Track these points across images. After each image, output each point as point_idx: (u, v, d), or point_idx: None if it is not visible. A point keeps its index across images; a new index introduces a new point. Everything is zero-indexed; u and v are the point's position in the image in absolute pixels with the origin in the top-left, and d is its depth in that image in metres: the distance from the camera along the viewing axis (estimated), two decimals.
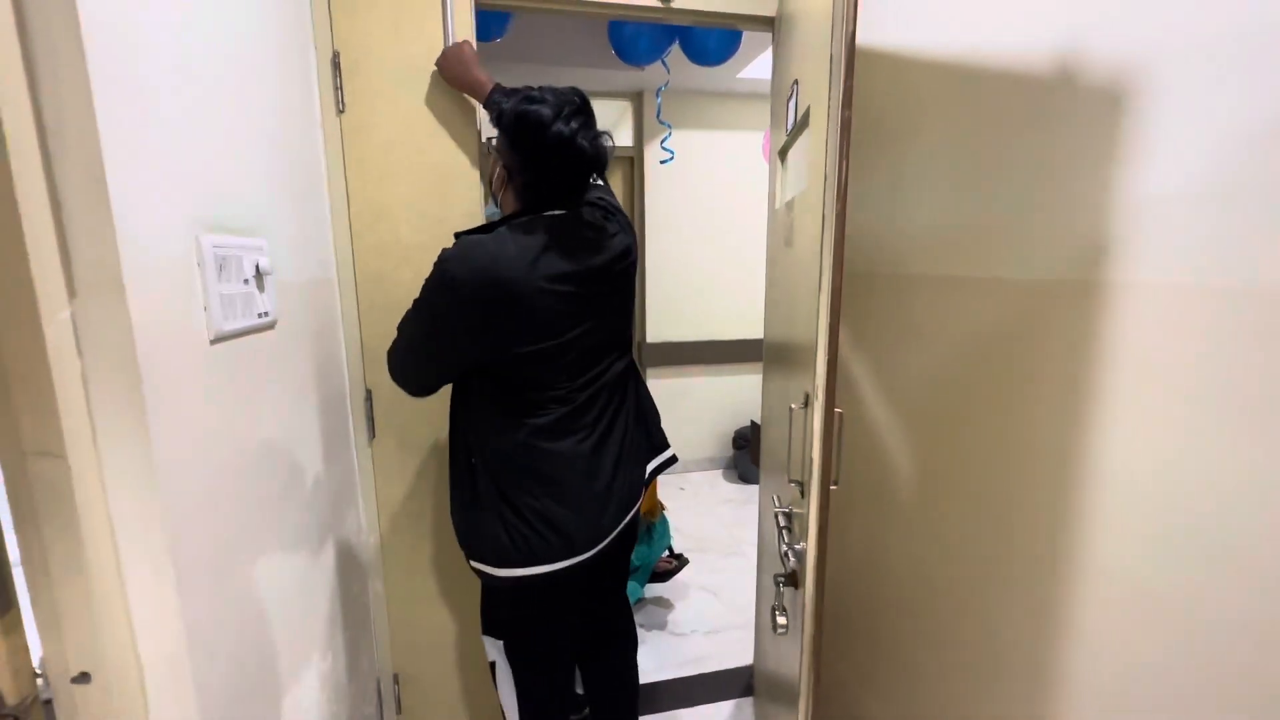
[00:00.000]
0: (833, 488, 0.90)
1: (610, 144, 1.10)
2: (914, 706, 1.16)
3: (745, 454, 3.57)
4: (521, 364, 1.05)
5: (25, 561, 0.63)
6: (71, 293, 0.62)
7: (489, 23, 1.52)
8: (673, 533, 2.38)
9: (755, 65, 2.84)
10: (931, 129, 1.06)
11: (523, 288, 1.00)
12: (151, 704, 0.70)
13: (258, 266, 0.93)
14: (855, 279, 1.34)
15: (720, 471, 3.77)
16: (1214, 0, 0.62)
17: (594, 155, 1.05)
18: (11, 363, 0.59)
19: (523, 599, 1.14)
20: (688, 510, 3.19)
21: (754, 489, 3.32)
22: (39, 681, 0.65)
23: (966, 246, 0.97)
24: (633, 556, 2.08)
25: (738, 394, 3.67)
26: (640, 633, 2.17)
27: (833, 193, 0.77)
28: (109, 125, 0.62)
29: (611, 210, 1.19)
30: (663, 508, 2.26)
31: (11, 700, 0.61)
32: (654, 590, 2.40)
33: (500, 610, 1.20)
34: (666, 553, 2.29)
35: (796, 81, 1.08)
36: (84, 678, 0.66)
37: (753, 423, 3.47)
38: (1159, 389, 0.68)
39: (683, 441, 3.71)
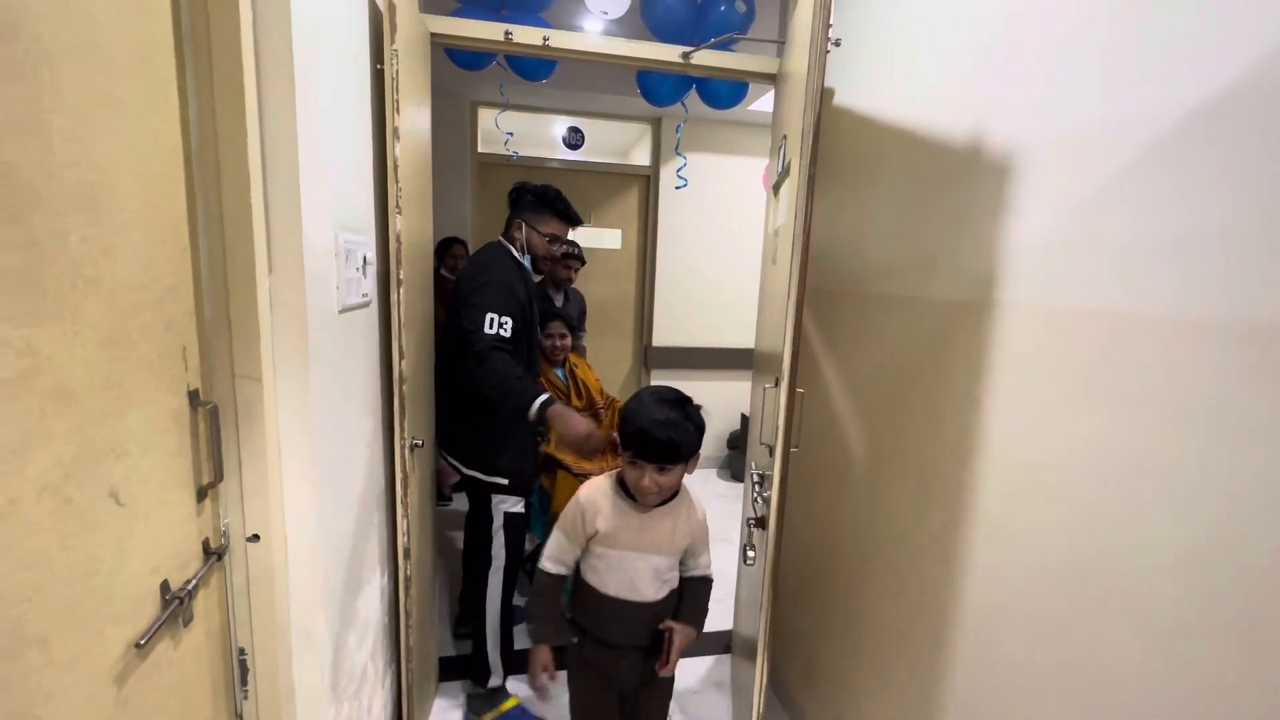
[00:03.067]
0: (794, 450, 1.18)
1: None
2: (853, 643, 1.42)
3: (739, 454, 3.83)
4: None
5: (225, 452, 0.91)
6: (270, 269, 0.91)
7: (540, 67, 1.83)
8: None
9: (764, 99, 3.14)
10: (888, 177, 1.35)
11: None
12: (290, 564, 0.98)
13: (364, 258, 1.23)
14: (831, 295, 1.62)
15: (714, 470, 4.04)
16: (1062, 106, 0.90)
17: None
18: (235, 314, 0.88)
19: None
20: None
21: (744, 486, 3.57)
22: (223, 537, 0.93)
23: (904, 271, 1.26)
24: None
25: (734, 398, 3.94)
26: None
27: (801, 225, 1.06)
28: (303, 188, 0.92)
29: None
30: None
31: (213, 546, 0.89)
32: None
33: None
34: None
35: (785, 137, 1.36)
36: (254, 538, 0.94)
37: (742, 415, 3.74)
38: (1023, 382, 0.96)
39: None
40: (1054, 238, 0.91)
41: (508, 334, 1.60)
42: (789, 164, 1.26)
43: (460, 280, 1.71)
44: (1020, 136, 0.97)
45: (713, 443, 4.04)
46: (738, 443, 3.88)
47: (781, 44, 1.69)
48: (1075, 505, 0.86)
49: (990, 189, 1.02)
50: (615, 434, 2.30)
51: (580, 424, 1.60)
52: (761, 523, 1.24)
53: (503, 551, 1.78)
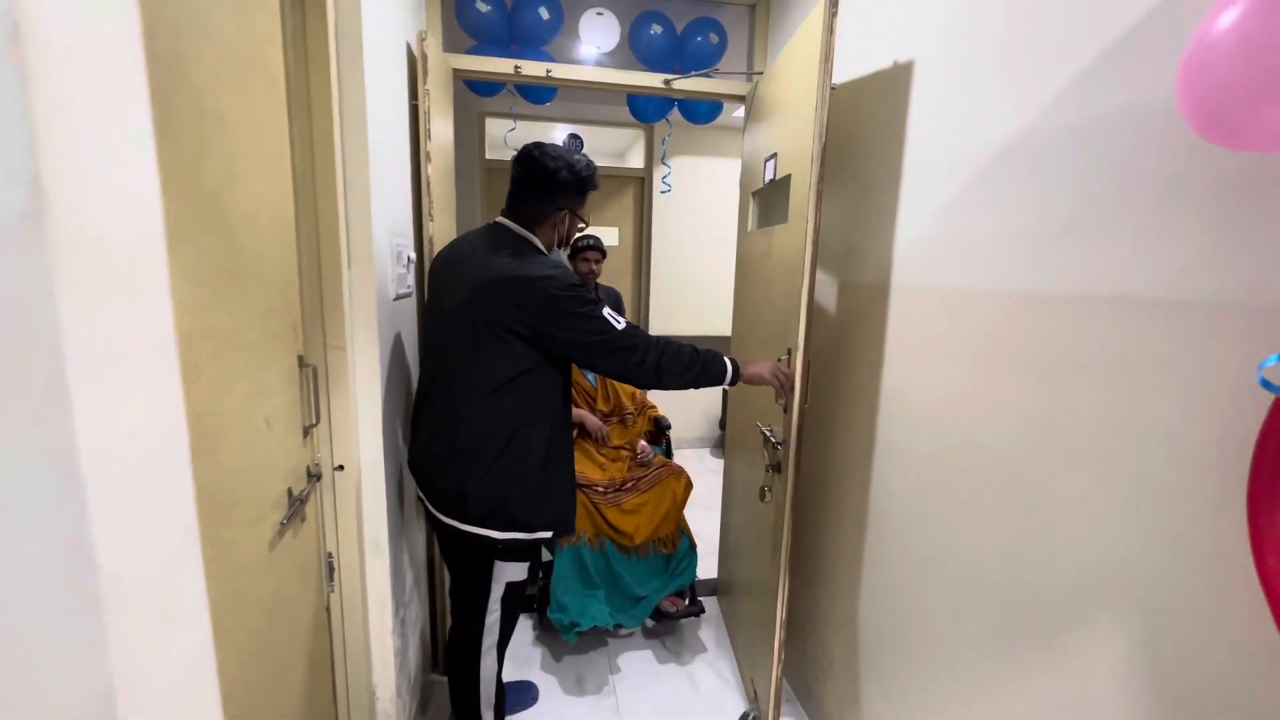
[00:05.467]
0: (804, 405, 1.48)
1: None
2: (814, 556, 1.74)
3: (726, 434, 4.15)
4: None
5: (320, 402, 1.23)
6: (349, 264, 1.22)
7: (545, 92, 2.14)
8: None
9: (738, 110, 3.44)
10: (851, 178, 1.65)
11: None
12: (364, 488, 1.30)
13: (409, 257, 1.54)
14: None
15: (708, 449, 4.36)
16: (948, 140, 1.21)
17: None
18: (326, 298, 1.19)
19: None
20: None
21: None
22: (318, 467, 1.24)
23: (841, 260, 1.57)
24: (636, 583, 1.99)
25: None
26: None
27: (812, 225, 1.35)
28: (374, 204, 1.23)
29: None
30: (692, 544, 2.15)
31: (313, 472, 1.20)
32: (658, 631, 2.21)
33: None
34: (687, 595, 2.14)
35: (776, 154, 1.65)
36: (340, 468, 1.26)
37: (724, 391, 4.06)
38: (905, 339, 1.27)
39: (678, 423, 4.30)
40: (920, 235, 1.22)
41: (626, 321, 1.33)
42: (783, 177, 1.56)
43: (501, 286, 1.27)
44: (907, 156, 1.28)
45: (706, 424, 4.36)
46: (725, 424, 4.19)
47: (752, 74, 1.99)
48: (936, 428, 1.18)
49: (887, 198, 1.33)
50: (644, 443, 2.26)
51: (762, 366, 1.43)
52: (777, 467, 1.55)
53: (497, 628, 1.44)
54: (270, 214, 1.00)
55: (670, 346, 1.35)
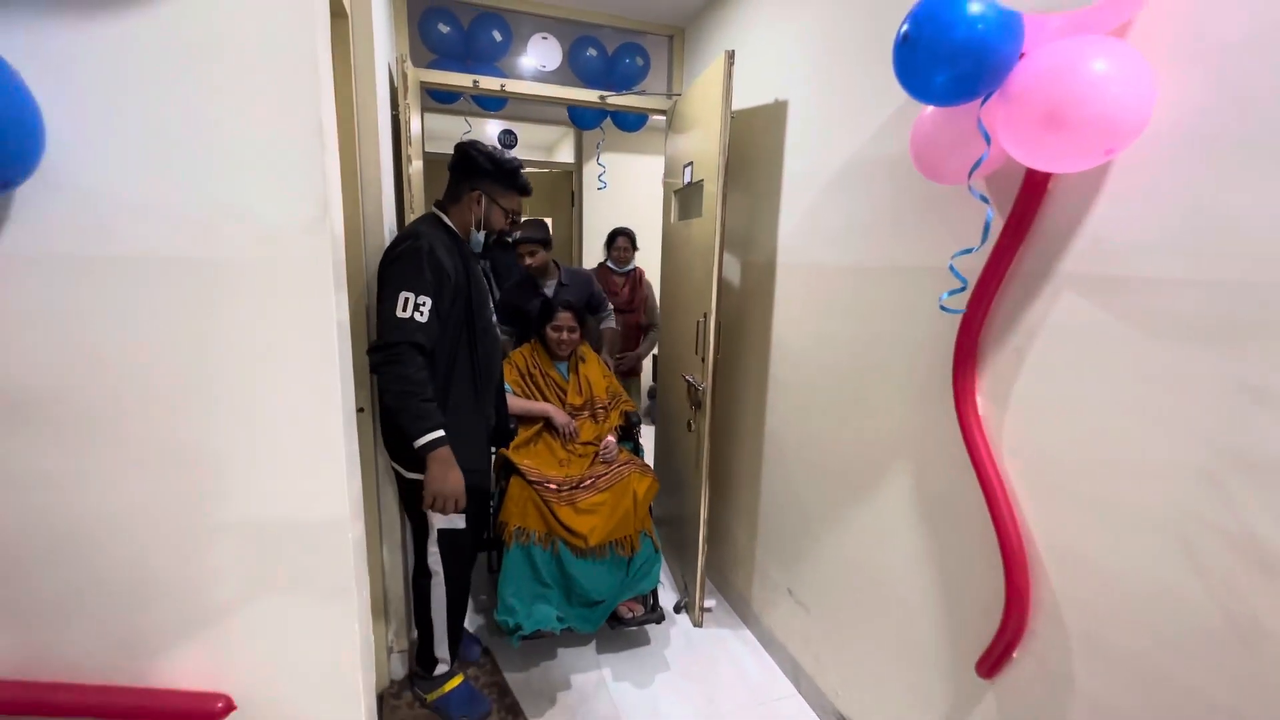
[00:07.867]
0: (717, 356, 1.93)
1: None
2: (726, 475, 2.24)
3: (655, 404, 4.64)
4: None
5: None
6: (365, 251, 1.55)
7: (497, 101, 2.48)
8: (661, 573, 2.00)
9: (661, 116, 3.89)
10: (750, 184, 2.12)
11: None
12: (377, 428, 1.64)
13: None
14: None
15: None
16: (810, 160, 1.70)
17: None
18: (351, 274, 1.52)
19: None
20: None
21: None
22: None
23: (742, 245, 2.06)
24: (591, 587, 1.81)
25: (652, 359, 4.74)
26: None
27: (719, 221, 1.79)
28: (383, 200, 1.56)
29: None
30: (656, 547, 1.97)
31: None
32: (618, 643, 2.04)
33: None
34: (650, 600, 1.95)
35: (692, 162, 2.10)
36: (361, 410, 1.59)
37: (653, 357, 4.56)
38: (787, 301, 1.77)
39: None
40: (795, 227, 1.72)
41: (424, 318, 1.36)
42: (698, 182, 2.00)
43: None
44: (785, 169, 1.78)
45: (635, 398, 4.83)
46: (655, 394, 4.68)
47: (672, 94, 2.44)
48: (805, 362, 1.69)
49: (772, 199, 1.83)
50: (611, 439, 2.13)
51: (454, 482, 1.42)
52: (699, 403, 1.99)
53: (440, 569, 1.60)
54: None
55: (406, 368, 1.34)
